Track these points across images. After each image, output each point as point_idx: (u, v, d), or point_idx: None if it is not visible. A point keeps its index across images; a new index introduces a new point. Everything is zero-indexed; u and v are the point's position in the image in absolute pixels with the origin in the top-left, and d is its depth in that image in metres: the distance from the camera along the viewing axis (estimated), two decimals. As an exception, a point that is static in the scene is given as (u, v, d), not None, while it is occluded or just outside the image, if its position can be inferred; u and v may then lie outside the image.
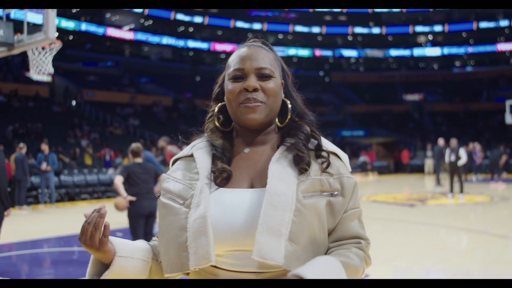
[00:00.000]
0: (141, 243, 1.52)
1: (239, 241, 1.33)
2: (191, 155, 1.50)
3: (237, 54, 1.49)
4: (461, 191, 14.99)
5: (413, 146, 35.43)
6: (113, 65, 40.57)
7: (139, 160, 6.55)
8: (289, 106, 1.51)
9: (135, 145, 6.59)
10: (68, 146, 21.64)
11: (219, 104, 1.55)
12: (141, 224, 6.45)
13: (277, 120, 1.52)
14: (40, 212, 14.08)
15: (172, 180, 1.47)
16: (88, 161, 20.47)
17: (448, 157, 15.16)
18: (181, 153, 1.54)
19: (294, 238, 1.31)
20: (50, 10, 5.95)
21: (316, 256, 1.33)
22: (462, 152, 15.07)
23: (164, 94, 37.02)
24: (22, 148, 14.02)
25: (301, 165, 1.39)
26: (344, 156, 1.51)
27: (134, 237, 6.40)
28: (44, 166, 14.65)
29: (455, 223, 10.97)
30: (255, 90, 1.41)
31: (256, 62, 1.44)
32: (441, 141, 18.82)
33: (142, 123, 29.20)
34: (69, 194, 16.57)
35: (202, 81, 44.50)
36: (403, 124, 40.44)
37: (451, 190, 15.27)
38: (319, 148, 1.46)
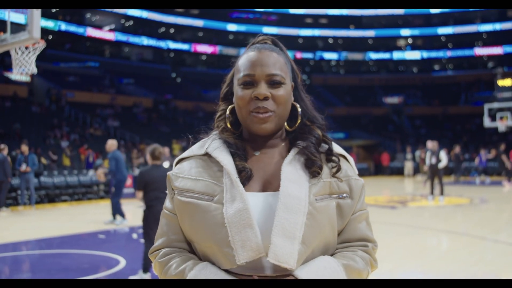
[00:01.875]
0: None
1: None
2: (205, 154, 1.47)
3: (247, 58, 1.46)
4: (442, 193, 15.15)
5: (393, 148, 35.72)
6: (93, 65, 40.17)
7: (157, 163, 6.26)
8: (299, 110, 1.50)
9: (155, 148, 6.27)
10: (47, 147, 21.38)
11: (230, 106, 1.53)
12: (155, 229, 6.10)
13: (285, 124, 1.51)
14: (19, 214, 13.89)
15: (188, 178, 1.44)
16: (66, 162, 20.25)
17: (429, 159, 15.31)
18: (189, 153, 1.52)
19: (307, 241, 1.32)
20: (34, 9, 5.88)
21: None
22: (443, 155, 15.23)
23: (144, 95, 36.78)
24: (3, 149, 13.79)
25: (313, 169, 1.40)
26: (350, 158, 1.52)
27: (147, 241, 6.13)
28: (23, 167, 14.46)
29: (436, 225, 11.08)
30: (266, 98, 1.40)
31: (267, 68, 1.42)
32: (429, 144, 18.79)
33: (122, 124, 28.98)
34: (49, 196, 16.38)
35: (182, 82, 44.34)
36: (383, 127, 40.75)
37: (432, 192, 15.43)
38: (330, 152, 1.46)
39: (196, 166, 1.46)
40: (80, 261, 7.60)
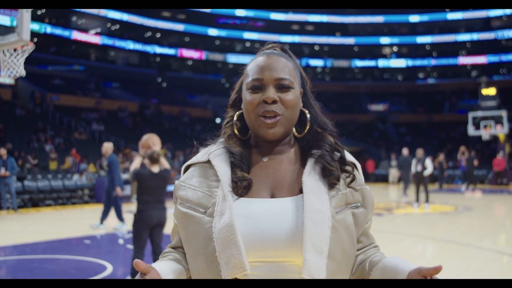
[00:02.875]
0: (174, 265, 1.43)
1: (265, 252, 1.30)
2: (207, 162, 1.46)
3: (255, 63, 1.46)
4: (427, 200, 15.24)
5: (378, 155, 35.89)
6: (79, 69, 39.89)
7: (156, 167, 6.08)
8: (308, 116, 1.50)
9: (153, 151, 6.11)
10: (31, 150, 21.14)
11: (238, 112, 1.52)
12: (145, 234, 6.00)
13: (294, 130, 1.50)
14: (2, 218, 13.71)
15: (188, 187, 1.44)
16: (53, 166, 20.04)
17: (415, 167, 15.41)
18: (195, 159, 1.50)
19: (332, 255, 1.31)
20: (24, 11, 5.81)
21: (348, 270, 1.38)
22: (428, 162, 15.34)
23: (130, 100, 36.60)
24: (-15, 153, 13.63)
25: (331, 180, 1.39)
26: (359, 166, 1.52)
27: (135, 246, 6.02)
28: (2, 171, 14.26)
29: (422, 232, 11.12)
30: (274, 102, 1.39)
31: (275, 72, 1.41)
32: (405, 151, 19.10)
33: (107, 129, 28.77)
34: (33, 200, 16.17)
35: (168, 87, 44.21)
36: (368, 134, 40.94)
37: (417, 199, 15.51)
38: (344, 161, 1.46)
39: (197, 175, 1.45)
40: (66, 267, 7.50)
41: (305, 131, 1.49)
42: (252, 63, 1.48)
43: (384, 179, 31.11)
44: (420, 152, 15.64)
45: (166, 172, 6.17)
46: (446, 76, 49.18)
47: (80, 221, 12.90)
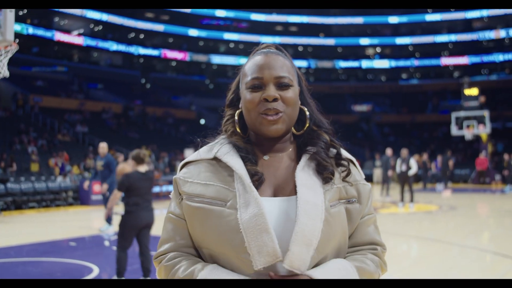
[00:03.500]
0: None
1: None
2: (213, 159, 1.45)
3: (253, 62, 1.46)
4: (411, 200, 15.36)
5: (362, 156, 36.07)
6: (62, 70, 39.54)
7: (142, 168, 6.08)
8: (307, 114, 1.51)
9: (139, 152, 6.11)
10: (13, 152, 20.91)
11: (238, 111, 1.51)
12: (132, 236, 6.03)
13: (293, 128, 1.51)
14: (-15, 221, 13.54)
15: (197, 183, 1.41)
16: (34, 168, 19.83)
17: (399, 167, 15.52)
18: (197, 156, 1.49)
19: (321, 248, 1.32)
20: (8, 11, 5.77)
21: None
22: (413, 162, 15.45)
23: (113, 101, 36.38)
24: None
25: (325, 174, 1.41)
26: (357, 163, 1.54)
27: (120, 248, 6.00)
28: None
29: (408, 231, 11.21)
30: (275, 100, 1.39)
31: (274, 70, 1.42)
32: (388, 151, 19.23)
33: (91, 130, 28.56)
34: (16, 203, 15.99)
35: (152, 88, 44.03)
36: (352, 134, 41.14)
37: (402, 199, 15.61)
38: (339, 157, 1.47)
39: (205, 171, 1.43)
40: (52, 269, 7.43)
41: (304, 128, 1.50)
42: (250, 62, 1.48)
43: (368, 179, 30.92)
44: (404, 152, 15.77)
45: (152, 172, 6.20)
46: (429, 76, 49.62)
47: (65, 223, 12.80)
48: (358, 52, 50.62)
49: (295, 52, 50.51)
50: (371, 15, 48.56)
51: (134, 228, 5.98)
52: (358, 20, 48.89)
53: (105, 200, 11.06)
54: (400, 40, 48.83)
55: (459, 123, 27.81)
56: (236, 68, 1.58)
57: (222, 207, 1.35)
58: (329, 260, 1.36)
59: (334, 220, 1.36)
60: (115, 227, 10.94)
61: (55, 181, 17.62)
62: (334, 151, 1.49)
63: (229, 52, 48.25)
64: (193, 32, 45.82)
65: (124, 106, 35.81)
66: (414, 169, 15.41)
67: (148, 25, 43.82)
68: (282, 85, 1.41)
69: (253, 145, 1.49)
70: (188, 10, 44.54)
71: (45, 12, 38.51)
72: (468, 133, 27.20)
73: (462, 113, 28.09)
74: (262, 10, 47.59)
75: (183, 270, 1.35)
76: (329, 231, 1.33)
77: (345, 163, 1.46)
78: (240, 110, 1.50)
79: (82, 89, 37.03)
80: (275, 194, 1.40)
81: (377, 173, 29.11)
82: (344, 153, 1.50)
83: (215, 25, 47.53)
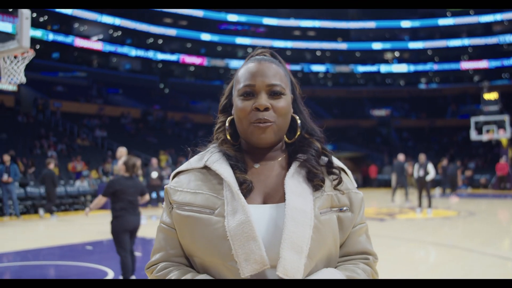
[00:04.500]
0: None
1: None
2: (204, 167, 1.45)
3: (246, 69, 1.45)
4: (429, 205, 15.20)
5: (380, 161, 35.85)
6: (81, 75, 39.97)
7: (128, 174, 6.41)
8: (299, 122, 1.50)
9: (132, 161, 6.42)
10: (34, 157, 21.17)
11: (229, 118, 1.51)
12: (126, 239, 6.28)
13: (285, 136, 1.50)
14: (4, 224, 13.72)
15: (187, 191, 1.41)
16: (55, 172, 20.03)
17: (417, 172, 15.38)
18: (188, 166, 1.49)
19: (312, 255, 1.31)
20: (24, 18, 5.85)
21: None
22: (430, 167, 15.30)
23: (132, 106, 36.65)
24: (-14, 159, 13.68)
25: (315, 181, 1.40)
26: (349, 172, 1.53)
27: (121, 252, 6.25)
28: (5, 177, 14.30)
29: (425, 237, 11.10)
30: (266, 109, 1.39)
31: (267, 78, 1.41)
32: (401, 157, 19.07)
33: (110, 135, 28.81)
34: (36, 206, 16.18)
35: (171, 93, 44.28)
36: (371, 139, 40.94)
37: (420, 204, 15.47)
38: (331, 165, 1.46)
39: (195, 179, 1.43)
40: (67, 273, 7.50)
41: (295, 137, 1.49)
42: (243, 69, 1.47)
43: (387, 184, 31.03)
44: (422, 157, 15.62)
45: (137, 178, 6.63)
46: (448, 81, 49.20)
47: (82, 227, 12.91)
48: (377, 57, 50.40)
49: (312, 56, 50.46)
50: (389, 19, 48.34)
51: (124, 231, 6.26)
52: (375, 24, 48.69)
53: None
54: (419, 44, 48.53)
55: (479, 128, 27.51)
56: (230, 73, 1.58)
57: (210, 215, 1.34)
58: (320, 268, 1.35)
59: (324, 228, 1.35)
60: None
61: (74, 185, 17.80)
62: (325, 159, 1.48)
63: (246, 57, 48.25)
64: (211, 37, 46.00)
65: (142, 111, 36.06)
66: (432, 174, 15.26)
67: (166, 31, 44.11)
68: (274, 94, 1.40)
69: (245, 153, 1.49)
70: (207, 16, 44.81)
71: (65, 18, 38.98)
72: (487, 138, 26.91)
73: (481, 118, 27.78)
74: (278, 15, 47.63)
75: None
76: (319, 238, 1.32)
77: (337, 171, 1.45)
78: (232, 117, 1.50)
79: (101, 94, 37.38)
80: (264, 202, 1.39)
81: (395, 178, 28.94)
82: (336, 162, 1.49)
83: (233, 30, 47.71)
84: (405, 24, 48.34)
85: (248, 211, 1.30)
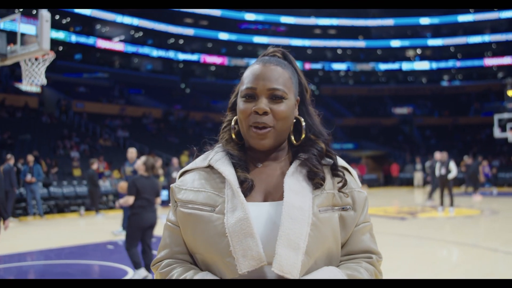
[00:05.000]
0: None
1: None
2: (208, 167, 1.48)
3: (251, 71, 1.46)
4: (451, 204, 15.03)
5: (402, 159, 35.57)
6: (103, 76, 40.40)
7: (147, 174, 6.72)
8: (303, 124, 1.50)
9: (151, 162, 6.76)
10: (57, 157, 21.46)
11: (235, 117, 1.53)
12: (138, 236, 6.61)
13: (293, 137, 1.51)
14: (28, 224, 13.93)
15: (190, 190, 1.45)
16: (77, 173, 20.30)
17: (439, 170, 15.22)
18: (193, 165, 1.52)
19: (310, 252, 1.32)
20: (44, 20, 5.93)
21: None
22: (452, 166, 15.13)
23: (154, 106, 36.92)
24: (10, 159, 13.88)
25: (315, 180, 1.41)
26: (353, 171, 1.53)
27: (130, 247, 6.58)
28: (28, 177, 14.53)
29: (446, 236, 10.98)
30: (265, 113, 1.40)
31: (269, 82, 1.41)
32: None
33: (131, 135, 29.06)
34: (59, 206, 16.41)
35: (192, 93, 44.49)
36: (392, 138, 40.63)
37: (442, 203, 15.32)
38: (335, 167, 1.46)
39: (199, 178, 1.46)
40: (88, 272, 7.60)
41: (301, 139, 1.50)
42: (248, 71, 1.48)
43: (409, 182, 30.83)
44: (444, 155, 15.45)
45: (155, 178, 6.96)
46: (471, 78, 48.58)
47: (104, 226, 13.04)
48: (398, 54, 49.98)
49: (334, 55, 50.24)
50: (411, 16, 47.90)
51: (140, 228, 6.58)
52: (394, 21, 48.29)
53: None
54: (439, 42, 47.97)
55: (503, 125, 27.09)
56: (240, 72, 1.59)
57: (211, 212, 1.37)
58: (320, 266, 1.35)
59: (324, 225, 1.35)
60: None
61: (118, 185, 18.00)
62: (330, 160, 1.48)
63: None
64: (229, 37, 46.08)
65: (164, 111, 36.29)
66: (453, 172, 15.09)
67: (184, 30, 44.26)
68: (275, 98, 1.41)
69: (248, 152, 1.50)
70: (224, 14, 44.98)
71: (87, 20, 39.45)
72: (509, 133, 26.47)
73: (505, 115, 27.32)
74: (296, 13, 47.52)
75: (176, 277, 1.38)
76: (318, 236, 1.33)
77: (341, 173, 1.46)
78: (237, 116, 1.52)
79: (123, 94, 37.73)
80: (265, 200, 1.41)
81: (418, 176, 28.70)
82: (340, 162, 1.50)
83: (254, 29, 47.75)
84: (424, 21, 47.84)
85: (246, 208, 1.32)
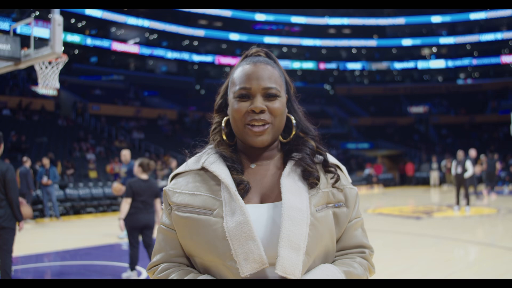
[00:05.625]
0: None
1: None
2: (202, 169, 1.48)
3: (242, 71, 1.47)
4: (468, 203, 14.90)
5: (418, 158, 35.34)
6: (118, 78, 40.69)
7: (145, 176, 6.86)
8: (293, 121, 1.52)
9: (146, 161, 6.91)
10: (73, 159, 21.66)
11: (225, 118, 1.54)
12: (136, 237, 6.86)
13: (280, 136, 1.52)
14: (44, 225, 14.07)
15: (185, 193, 1.44)
16: (93, 174, 20.47)
17: (455, 169, 15.09)
18: (185, 168, 1.52)
19: (310, 252, 1.33)
20: (56, 24, 5.99)
21: None
22: (469, 164, 15.00)
23: (169, 108, 37.11)
24: (26, 162, 14.06)
25: (311, 180, 1.42)
26: (343, 167, 1.55)
27: (131, 246, 6.89)
28: (45, 180, 14.69)
29: (462, 235, 10.89)
30: (262, 111, 1.41)
31: (263, 81, 1.43)
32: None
33: (147, 137, 29.24)
34: (75, 208, 16.57)
35: (207, 94, 44.61)
36: (408, 137, 40.39)
37: (457, 202, 15.19)
38: (326, 164, 1.48)
39: (193, 181, 1.46)
40: (104, 273, 7.66)
41: (291, 136, 1.52)
42: (238, 71, 1.49)
43: (425, 182, 30.61)
44: (460, 154, 15.33)
45: (153, 180, 7.10)
46: (488, 75, 48.11)
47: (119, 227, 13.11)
48: (414, 53, 49.68)
49: (348, 54, 50.07)
50: (422, 15, 47.57)
51: (134, 228, 6.78)
52: (423, 20, 47.93)
53: None
54: (467, 38, 47.46)
55: (520, 123, 26.76)
56: (225, 73, 1.61)
57: (208, 216, 1.37)
58: (317, 264, 1.37)
59: (321, 224, 1.37)
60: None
61: (111, 187, 18.12)
62: (321, 157, 1.50)
63: (283, 56, 48.38)
64: (239, 37, 46.12)
65: (179, 112, 36.46)
66: (470, 171, 14.96)
67: (195, 31, 44.36)
68: (269, 96, 1.42)
69: (240, 153, 1.51)
70: (242, 16, 45.06)
71: (103, 23, 39.78)
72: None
73: (523, 113, 27.03)
74: (307, 13, 47.40)
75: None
76: (316, 235, 1.35)
77: (333, 169, 1.48)
78: (227, 117, 1.52)
79: (138, 96, 37.97)
80: (261, 201, 1.41)
81: (434, 176, 28.48)
82: (331, 159, 1.51)
83: (268, 30, 47.77)
84: (436, 19, 47.50)
85: (246, 211, 1.33)
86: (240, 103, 1.43)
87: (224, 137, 1.52)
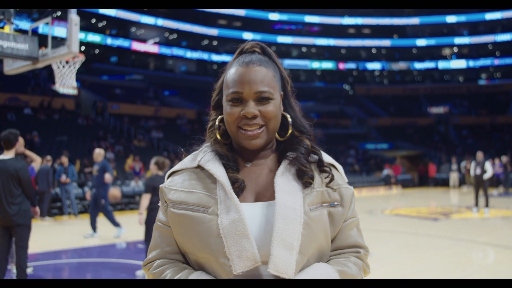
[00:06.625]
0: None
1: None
2: (198, 167, 1.49)
3: (235, 73, 1.45)
4: (487, 205, 14.74)
5: (438, 159, 35.01)
6: (138, 78, 40.97)
7: (161, 173, 7.00)
8: (289, 120, 1.51)
9: (162, 159, 7.05)
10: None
11: (220, 116, 1.54)
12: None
13: (276, 134, 1.52)
14: (63, 223, 14.24)
15: (181, 191, 1.45)
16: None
17: (474, 170, 14.94)
18: (182, 166, 1.53)
19: (304, 251, 1.34)
20: (73, 24, 6.07)
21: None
22: (488, 166, 14.83)
23: (188, 107, 37.26)
24: (49, 161, 14.27)
25: (305, 179, 1.42)
26: (339, 166, 1.54)
27: (147, 242, 6.97)
28: (63, 178, 14.87)
29: (479, 237, 10.78)
30: (254, 117, 1.41)
31: (255, 85, 1.41)
32: (479, 154, 17.96)
33: (166, 136, 29.41)
34: (93, 206, 16.70)
35: (225, 94, 44.70)
36: (428, 137, 40.03)
37: (476, 204, 15.03)
38: (321, 163, 1.48)
39: (189, 179, 1.47)
40: (119, 270, 7.74)
41: (287, 135, 1.51)
42: (231, 72, 1.47)
43: (444, 183, 30.32)
44: (479, 155, 15.16)
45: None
46: (510, 75, 47.46)
47: (137, 225, 13.22)
48: (434, 53, 49.22)
49: (368, 54, 49.80)
50: (436, 15, 47.09)
51: (154, 223, 6.71)
52: (444, 19, 47.46)
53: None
54: (489, 38, 46.88)
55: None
56: (221, 69, 1.60)
57: (203, 213, 1.38)
58: (311, 263, 1.37)
59: (315, 223, 1.37)
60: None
61: (129, 185, 18.27)
62: (315, 157, 1.49)
63: (302, 56, 48.31)
64: (253, 36, 46.09)
65: (198, 112, 36.58)
66: (489, 172, 14.80)
67: (208, 30, 44.43)
68: (262, 99, 1.42)
69: (236, 152, 1.52)
70: (261, 16, 45.09)
71: (123, 23, 40.11)
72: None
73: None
74: (320, 12, 47.20)
75: (170, 277, 1.39)
76: (310, 234, 1.35)
77: (327, 168, 1.47)
78: (222, 116, 1.53)
79: (157, 96, 38.19)
80: (256, 200, 1.42)
81: (454, 177, 28.19)
82: (326, 158, 1.51)
83: (287, 30, 47.73)
84: (451, 19, 47.03)
85: (240, 209, 1.34)
86: (232, 107, 1.43)
87: (219, 137, 1.53)
